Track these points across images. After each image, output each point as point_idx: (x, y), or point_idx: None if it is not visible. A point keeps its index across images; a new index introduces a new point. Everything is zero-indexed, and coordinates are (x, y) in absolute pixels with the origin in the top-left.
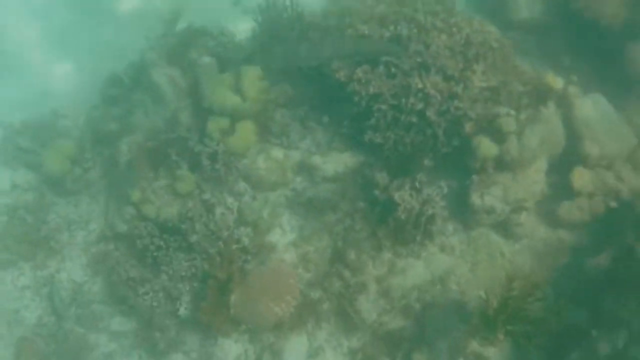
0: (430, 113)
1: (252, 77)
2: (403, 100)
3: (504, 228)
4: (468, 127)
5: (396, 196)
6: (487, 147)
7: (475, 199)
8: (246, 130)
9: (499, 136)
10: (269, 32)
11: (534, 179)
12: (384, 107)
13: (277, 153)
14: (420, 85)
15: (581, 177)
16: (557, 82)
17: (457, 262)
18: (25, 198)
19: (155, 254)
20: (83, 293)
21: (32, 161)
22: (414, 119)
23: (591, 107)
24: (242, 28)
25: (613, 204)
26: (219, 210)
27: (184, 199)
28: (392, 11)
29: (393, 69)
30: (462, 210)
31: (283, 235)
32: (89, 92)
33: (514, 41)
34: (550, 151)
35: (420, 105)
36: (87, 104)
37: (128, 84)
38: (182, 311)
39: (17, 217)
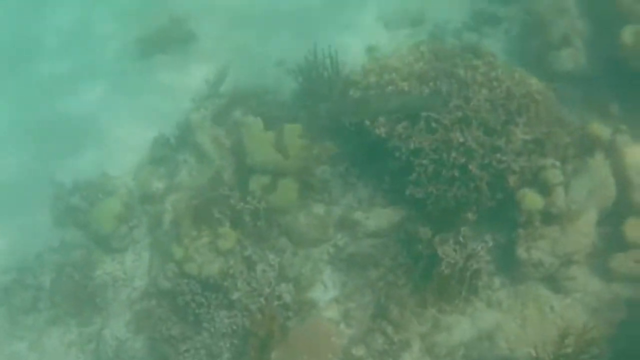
0: (473, 167)
1: (293, 134)
2: (444, 154)
3: (554, 282)
4: (512, 180)
5: (440, 251)
6: (532, 200)
7: (521, 252)
8: (287, 188)
9: (544, 188)
10: (310, 91)
11: (584, 231)
12: (425, 161)
13: (319, 209)
14: (461, 140)
15: (635, 228)
16: (603, 131)
17: (505, 318)
18: (73, 255)
19: (196, 311)
20: (126, 350)
21: (80, 219)
22: (456, 173)
23: None
24: (285, 87)
25: None
26: (260, 267)
27: (225, 256)
28: (431, 67)
29: (434, 124)
30: (509, 264)
31: (325, 292)
32: (137, 153)
33: (558, 92)
34: (600, 202)
35: (462, 160)
36: (135, 165)
37: (174, 144)
38: None
39: (65, 274)
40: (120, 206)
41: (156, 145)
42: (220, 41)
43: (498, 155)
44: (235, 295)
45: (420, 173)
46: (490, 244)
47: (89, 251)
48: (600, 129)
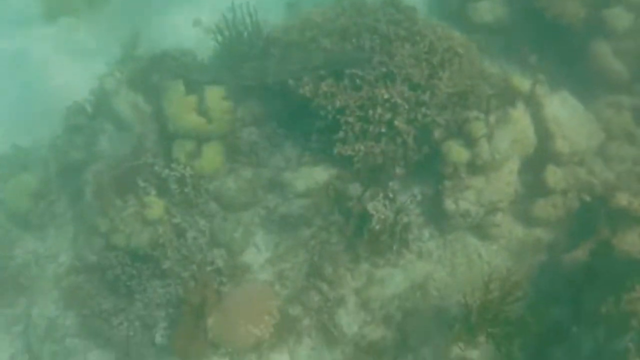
0: (399, 122)
1: (215, 97)
2: (370, 111)
3: (480, 230)
4: (437, 133)
5: (370, 207)
6: (457, 152)
7: (449, 204)
8: (213, 152)
9: (469, 140)
10: (231, 51)
11: (507, 180)
12: (351, 119)
13: (247, 172)
14: (386, 96)
15: (554, 175)
16: (523, 83)
17: (435, 268)
18: None
19: (128, 283)
20: (56, 328)
21: None
22: (383, 129)
23: (559, 105)
24: (204, 48)
25: (587, 199)
26: (190, 234)
27: (154, 225)
28: (353, 23)
29: (358, 81)
30: (437, 215)
31: (258, 254)
32: (51, 122)
33: (479, 43)
34: (521, 151)
35: (388, 115)
36: (49, 134)
37: (90, 112)
38: (159, 339)
39: None
40: (35, 181)
41: (70, 113)
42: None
43: (423, 109)
44: (166, 264)
45: (347, 131)
46: (419, 197)
47: (5, 230)
48: (520, 81)
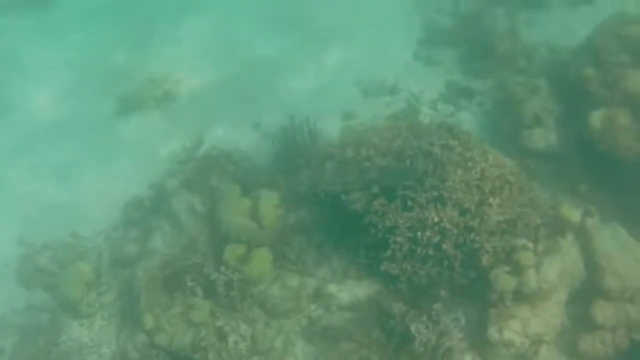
0: (447, 246)
1: (269, 203)
2: (419, 233)
3: None
4: (485, 259)
5: (412, 328)
6: (504, 280)
7: (493, 332)
8: (262, 258)
9: (516, 268)
10: (287, 158)
11: (554, 312)
12: (400, 239)
13: (293, 280)
14: (436, 219)
15: (603, 310)
16: (573, 213)
17: None
18: (39, 319)
19: None
20: None
21: (48, 282)
22: (431, 251)
23: (610, 238)
24: (262, 151)
25: (637, 338)
26: (232, 339)
27: (197, 327)
28: (409, 145)
29: (409, 202)
30: (480, 341)
31: None
32: (110, 214)
33: (529, 169)
34: (569, 283)
35: (436, 238)
36: (107, 225)
37: (149, 207)
38: None
39: (28, 338)
40: (90, 272)
41: (129, 207)
42: (197, 103)
43: (472, 235)
44: None
45: (395, 250)
46: (463, 321)
47: (55, 315)
48: (570, 212)
